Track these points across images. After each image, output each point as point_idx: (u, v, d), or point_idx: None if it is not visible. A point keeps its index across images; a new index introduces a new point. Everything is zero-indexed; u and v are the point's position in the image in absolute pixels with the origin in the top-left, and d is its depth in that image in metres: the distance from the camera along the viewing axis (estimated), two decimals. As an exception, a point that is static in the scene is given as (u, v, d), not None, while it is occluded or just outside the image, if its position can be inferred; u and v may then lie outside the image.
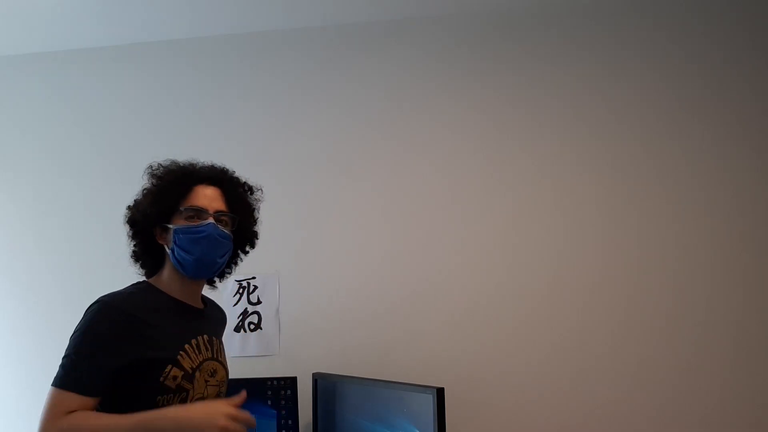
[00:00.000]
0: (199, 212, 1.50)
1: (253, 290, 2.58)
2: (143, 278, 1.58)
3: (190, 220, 1.49)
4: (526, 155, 2.50)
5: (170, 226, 1.49)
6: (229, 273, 1.67)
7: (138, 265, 1.58)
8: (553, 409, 2.37)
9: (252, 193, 1.64)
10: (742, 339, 2.31)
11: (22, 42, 2.75)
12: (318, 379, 2.35)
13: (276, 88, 2.68)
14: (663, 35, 2.48)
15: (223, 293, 2.53)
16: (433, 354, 2.44)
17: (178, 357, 1.43)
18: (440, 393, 1.92)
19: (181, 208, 1.50)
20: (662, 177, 2.42)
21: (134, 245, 1.56)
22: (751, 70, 2.42)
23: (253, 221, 1.64)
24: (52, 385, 1.35)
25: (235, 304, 2.57)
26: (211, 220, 1.49)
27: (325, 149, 2.62)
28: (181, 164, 1.57)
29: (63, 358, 1.37)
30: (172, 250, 1.49)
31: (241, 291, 2.58)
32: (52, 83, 2.82)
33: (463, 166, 2.53)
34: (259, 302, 2.58)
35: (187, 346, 1.46)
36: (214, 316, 1.66)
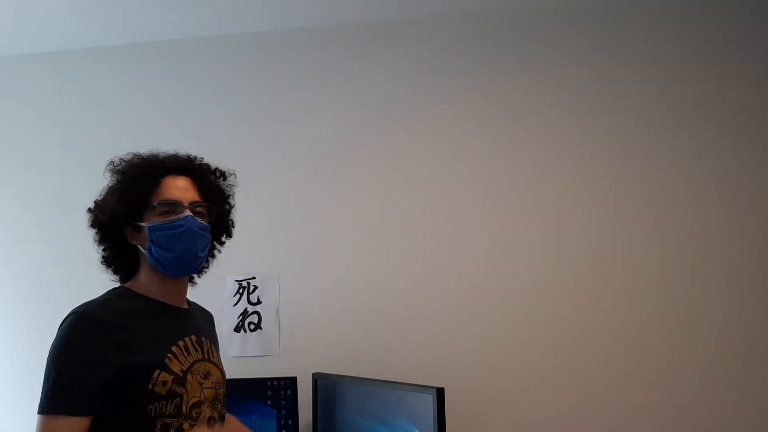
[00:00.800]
0: (174, 205, 1.39)
1: (253, 290, 2.58)
2: (118, 284, 1.48)
3: (165, 215, 1.39)
4: (527, 156, 2.50)
5: (143, 224, 1.39)
6: (207, 268, 1.57)
7: (111, 271, 1.48)
8: (553, 410, 2.36)
9: (225, 179, 1.54)
10: (729, 339, 2.30)
11: (27, 42, 2.75)
12: (318, 379, 2.35)
13: (274, 88, 2.68)
14: (674, 30, 2.47)
15: (223, 293, 2.54)
16: (433, 354, 2.44)
17: (166, 360, 1.33)
18: (440, 393, 1.92)
19: (154, 204, 1.39)
20: (675, 175, 2.41)
21: (104, 249, 1.46)
22: (748, 72, 2.41)
23: (229, 209, 1.55)
24: (39, 413, 1.25)
25: (235, 304, 2.56)
26: (188, 212, 1.39)
27: (325, 149, 2.62)
28: (145, 156, 1.46)
29: (44, 381, 1.27)
30: (149, 250, 1.38)
31: (241, 291, 2.58)
32: (56, 82, 2.82)
33: (465, 167, 2.53)
34: (259, 302, 2.58)
35: (174, 348, 1.36)
36: (201, 317, 1.57)
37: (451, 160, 2.54)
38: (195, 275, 1.56)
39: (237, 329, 2.56)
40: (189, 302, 1.55)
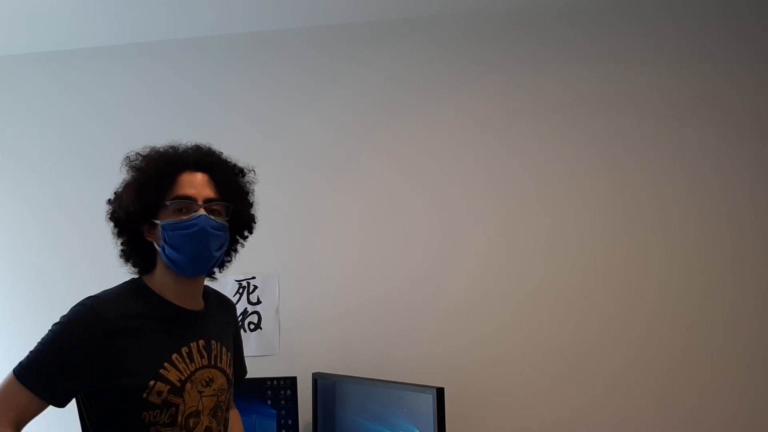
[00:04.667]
0: (188, 203, 1.35)
1: (253, 290, 2.58)
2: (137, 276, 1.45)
3: (178, 213, 1.34)
4: (522, 154, 2.50)
5: (157, 222, 1.35)
6: (230, 261, 1.52)
7: (129, 265, 1.44)
8: (553, 410, 2.37)
9: (243, 176, 1.49)
10: (732, 338, 2.31)
11: (27, 42, 2.75)
12: (318, 379, 2.35)
13: (274, 88, 2.68)
14: (678, 29, 2.47)
15: (222, 293, 2.54)
16: (433, 354, 2.44)
17: (162, 371, 1.31)
18: (440, 393, 1.92)
19: (167, 202, 1.34)
20: (678, 173, 2.41)
21: (121, 243, 1.42)
22: (751, 70, 2.41)
23: (249, 206, 1.50)
24: (14, 371, 1.27)
25: (235, 304, 2.56)
26: (201, 211, 1.34)
27: (326, 149, 2.62)
28: (162, 151, 1.41)
29: (36, 346, 1.29)
30: (163, 248, 1.35)
31: (240, 291, 2.58)
32: (56, 82, 2.82)
33: (461, 165, 2.53)
34: (259, 302, 2.58)
35: (175, 356, 1.34)
36: (217, 313, 1.52)
37: (452, 161, 2.54)
38: (216, 269, 1.50)
39: (237, 329, 2.56)
40: (207, 294, 1.51)
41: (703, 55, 2.44)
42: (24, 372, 1.27)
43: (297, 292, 2.56)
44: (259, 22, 2.64)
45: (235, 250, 1.53)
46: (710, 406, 2.29)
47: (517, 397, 2.39)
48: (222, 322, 1.54)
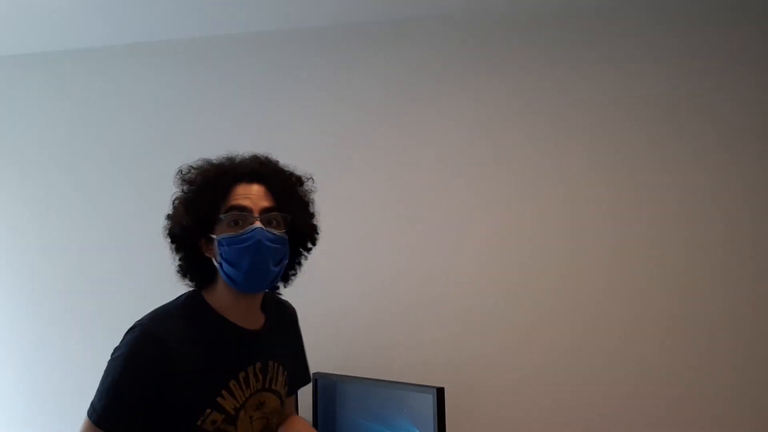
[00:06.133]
0: (243, 215, 1.30)
1: (254, 290, 2.58)
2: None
3: (234, 226, 1.29)
4: (531, 156, 2.49)
5: (214, 236, 1.30)
6: (295, 275, 1.48)
7: (186, 280, 1.39)
8: (553, 409, 2.37)
9: (302, 185, 1.44)
10: (749, 341, 2.30)
11: (27, 42, 2.75)
12: (318, 379, 2.35)
13: (278, 88, 2.68)
14: (670, 33, 2.46)
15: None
16: (433, 354, 2.44)
17: (219, 399, 1.29)
18: (440, 393, 1.92)
19: (221, 215, 1.29)
20: (671, 178, 2.40)
21: (179, 259, 1.37)
22: (745, 74, 2.39)
23: (309, 216, 1.44)
24: (89, 417, 1.25)
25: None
26: (257, 224, 1.29)
27: (326, 149, 2.61)
28: (215, 162, 1.36)
29: (101, 384, 1.26)
30: (220, 264, 1.31)
31: (241, 291, 2.58)
32: (55, 83, 2.82)
33: (464, 167, 2.53)
34: (259, 302, 2.57)
35: (233, 382, 1.31)
36: (277, 328, 1.47)
37: (450, 161, 2.54)
38: (281, 284, 1.46)
39: (237, 329, 2.55)
40: (266, 302, 1.46)
41: (696, 58, 2.43)
42: (102, 417, 1.24)
43: (297, 292, 2.55)
44: (254, 23, 2.64)
45: (299, 263, 1.48)
46: (711, 406, 2.29)
47: (517, 397, 2.39)
48: (282, 338, 1.50)
